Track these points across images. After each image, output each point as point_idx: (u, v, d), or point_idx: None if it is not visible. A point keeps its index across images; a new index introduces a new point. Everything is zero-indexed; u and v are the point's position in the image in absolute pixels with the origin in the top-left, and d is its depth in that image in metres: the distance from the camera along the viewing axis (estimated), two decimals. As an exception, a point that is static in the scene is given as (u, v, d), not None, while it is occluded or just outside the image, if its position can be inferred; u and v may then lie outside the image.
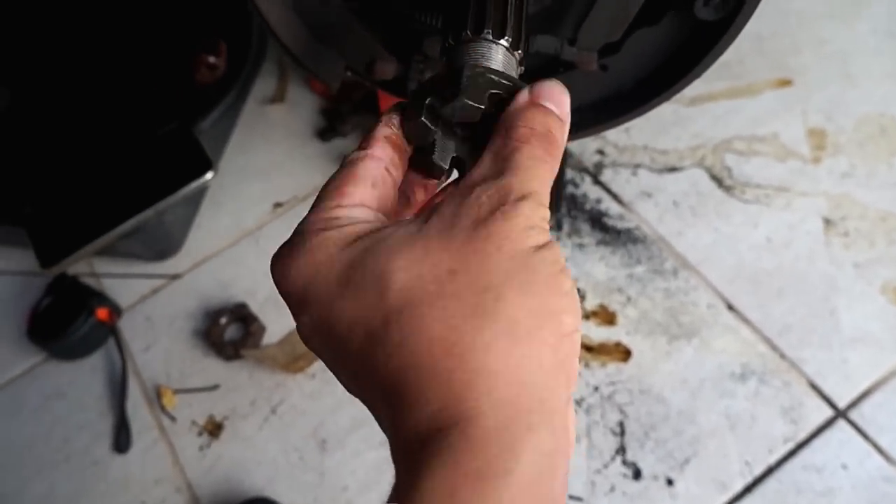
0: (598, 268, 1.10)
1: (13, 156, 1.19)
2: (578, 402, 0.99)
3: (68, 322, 1.07)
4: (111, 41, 1.26)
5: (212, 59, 1.17)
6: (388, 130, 0.35)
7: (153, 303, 1.16)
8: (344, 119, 1.27)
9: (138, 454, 1.04)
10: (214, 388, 1.07)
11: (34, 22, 1.29)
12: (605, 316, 1.05)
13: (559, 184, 1.17)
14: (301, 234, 0.32)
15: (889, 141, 1.16)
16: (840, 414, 0.95)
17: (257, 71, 1.29)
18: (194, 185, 1.04)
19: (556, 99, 0.34)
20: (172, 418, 1.05)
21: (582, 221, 1.14)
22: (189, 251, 1.21)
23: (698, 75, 0.54)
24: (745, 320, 1.02)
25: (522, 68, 0.40)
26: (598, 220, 1.14)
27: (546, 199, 0.31)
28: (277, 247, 0.34)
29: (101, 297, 1.13)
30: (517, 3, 0.40)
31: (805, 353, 0.99)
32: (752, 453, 0.93)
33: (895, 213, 1.09)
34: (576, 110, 0.59)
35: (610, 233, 1.13)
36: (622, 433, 0.97)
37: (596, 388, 1.00)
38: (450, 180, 0.37)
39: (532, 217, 0.29)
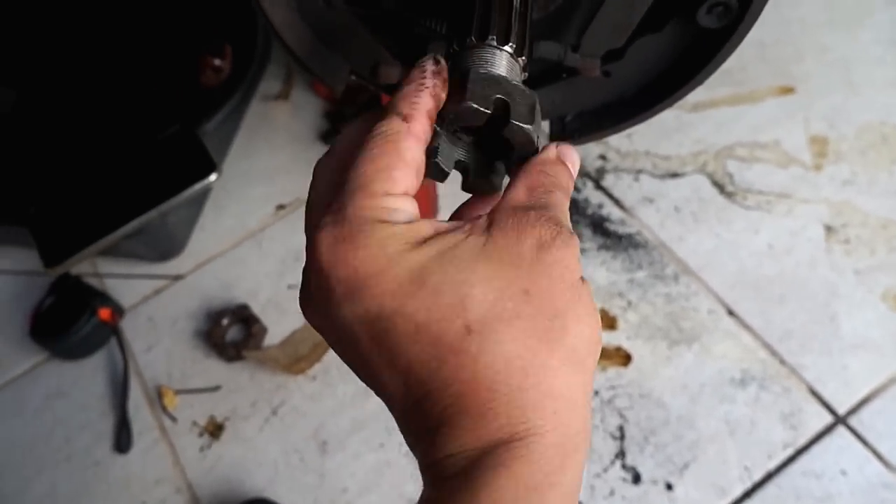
0: (600, 272, 1.10)
1: (18, 156, 1.20)
2: (579, 407, 0.99)
3: (71, 322, 1.08)
4: (116, 43, 1.26)
5: (217, 62, 1.18)
6: (430, 104, 0.35)
7: (155, 303, 1.17)
8: (347, 122, 1.28)
9: (139, 454, 1.04)
10: (216, 388, 1.07)
11: (40, 24, 1.30)
12: (606, 320, 1.05)
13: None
14: (357, 220, 0.31)
15: (890, 149, 1.16)
16: (840, 420, 0.95)
17: (262, 73, 1.29)
18: (198, 186, 1.05)
19: (575, 163, 0.37)
20: (173, 419, 1.05)
21: (583, 226, 1.15)
22: (192, 252, 1.21)
23: (701, 82, 0.54)
24: (746, 326, 1.03)
25: (526, 74, 0.40)
26: (599, 225, 1.14)
27: None
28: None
29: (103, 298, 1.14)
30: (521, 10, 0.40)
31: (805, 360, 0.99)
32: (752, 459, 0.93)
33: (896, 220, 1.09)
34: (578, 116, 0.59)
35: (611, 238, 1.13)
36: (622, 437, 0.97)
37: (596, 393, 1.00)
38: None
39: (577, 253, 0.32)
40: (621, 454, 0.96)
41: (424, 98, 0.35)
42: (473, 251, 0.30)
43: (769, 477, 0.92)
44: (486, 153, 0.38)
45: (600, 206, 1.17)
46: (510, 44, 0.38)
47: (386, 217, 0.31)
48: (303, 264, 0.33)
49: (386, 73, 0.59)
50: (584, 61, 0.53)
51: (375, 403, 1.02)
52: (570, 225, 0.33)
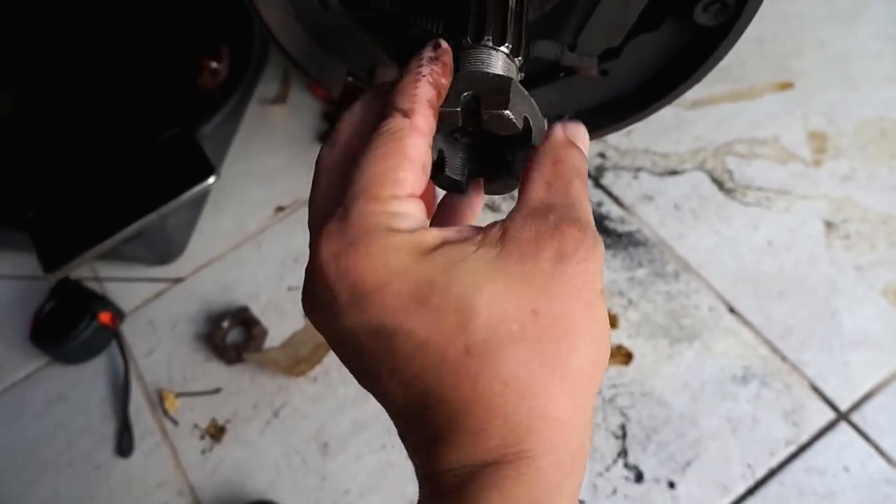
0: (600, 271, 1.10)
1: (17, 160, 1.20)
2: (580, 406, 0.99)
3: (71, 326, 1.08)
4: (114, 46, 1.26)
5: (214, 64, 1.18)
6: (430, 93, 0.34)
7: (155, 307, 1.17)
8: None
9: (141, 458, 1.04)
10: (216, 391, 1.07)
11: (37, 27, 1.30)
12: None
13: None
14: (361, 228, 0.30)
15: (890, 144, 1.16)
16: (842, 416, 0.95)
17: (259, 76, 1.29)
18: (196, 189, 1.05)
19: (584, 140, 0.35)
20: (175, 422, 1.05)
21: (583, 225, 1.14)
22: (191, 255, 1.21)
23: (698, 80, 0.54)
24: (747, 323, 1.03)
25: (522, 74, 0.40)
26: (599, 224, 1.14)
27: None
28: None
29: (103, 302, 1.13)
30: (517, 10, 0.40)
31: (806, 356, 0.99)
32: (754, 456, 0.93)
33: (896, 215, 1.09)
34: (576, 115, 0.59)
35: (611, 236, 1.13)
36: (624, 436, 0.97)
37: (598, 392, 1.00)
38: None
39: (601, 261, 0.31)
40: (623, 453, 0.95)
41: (423, 88, 0.34)
42: (482, 267, 0.29)
43: (772, 474, 0.92)
44: (493, 151, 0.38)
45: (599, 204, 1.16)
46: (506, 44, 0.38)
47: (391, 224, 0.30)
48: (303, 266, 0.32)
49: (383, 74, 0.59)
50: (581, 60, 0.53)
51: (376, 405, 1.01)
52: (592, 222, 0.31)
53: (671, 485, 0.93)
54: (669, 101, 0.55)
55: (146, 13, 1.28)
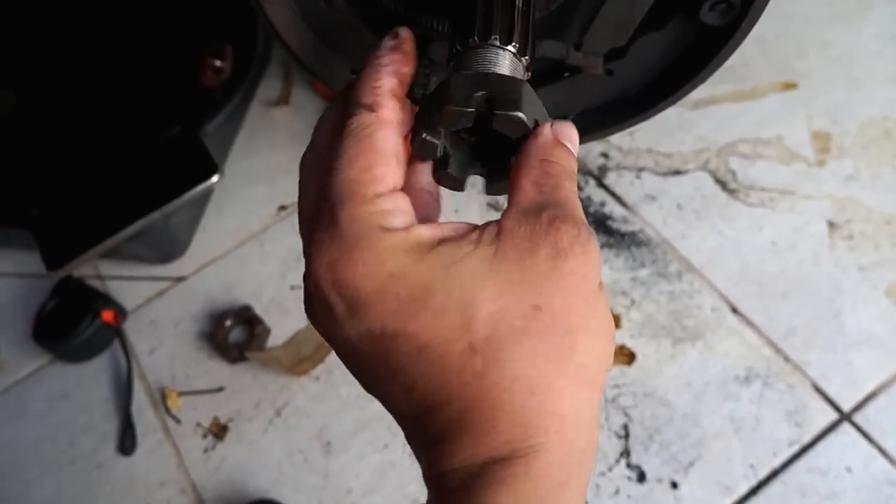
0: (603, 271, 1.09)
1: (20, 159, 1.20)
2: (583, 405, 0.99)
3: (74, 324, 1.08)
4: (117, 45, 1.26)
5: (217, 63, 1.18)
6: (392, 82, 0.34)
7: (158, 305, 1.17)
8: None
9: (143, 456, 1.04)
10: (219, 390, 1.07)
11: (40, 25, 1.30)
12: (610, 319, 1.05)
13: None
14: (351, 233, 0.30)
15: (893, 144, 1.16)
16: (844, 417, 0.94)
17: (262, 74, 1.29)
18: (199, 188, 1.05)
19: (574, 140, 0.35)
20: (177, 420, 1.05)
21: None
22: (194, 254, 1.21)
23: (704, 80, 0.54)
24: (750, 323, 1.02)
25: (529, 74, 0.40)
26: (602, 223, 1.14)
27: None
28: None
29: (106, 300, 1.14)
30: (524, 9, 0.40)
31: (809, 356, 0.99)
32: (757, 456, 0.93)
33: (900, 216, 1.09)
34: (581, 114, 0.59)
35: (614, 236, 1.13)
36: (626, 436, 0.97)
37: (603, 387, 1.00)
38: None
39: (597, 255, 0.31)
40: (626, 453, 0.95)
41: (384, 80, 0.33)
42: (481, 265, 0.29)
43: (774, 474, 0.92)
44: (497, 153, 0.38)
45: (603, 204, 1.16)
46: (513, 43, 0.38)
47: (382, 222, 0.30)
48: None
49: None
50: (586, 60, 0.53)
51: (379, 404, 1.02)
52: (584, 218, 0.31)
53: (674, 485, 0.93)
54: (675, 101, 0.55)
55: (149, 12, 1.28)
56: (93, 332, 1.09)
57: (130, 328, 1.14)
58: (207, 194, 1.21)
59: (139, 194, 1.06)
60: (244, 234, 1.22)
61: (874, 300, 1.02)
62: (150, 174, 1.08)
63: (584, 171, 1.20)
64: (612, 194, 1.17)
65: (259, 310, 1.12)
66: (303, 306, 0.33)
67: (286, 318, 1.12)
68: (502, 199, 1.19)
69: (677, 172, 1.18)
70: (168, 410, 1.06)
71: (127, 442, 1.04)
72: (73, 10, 1.28)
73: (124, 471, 1.03)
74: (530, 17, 0.41)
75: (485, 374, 0.28)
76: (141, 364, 1.11)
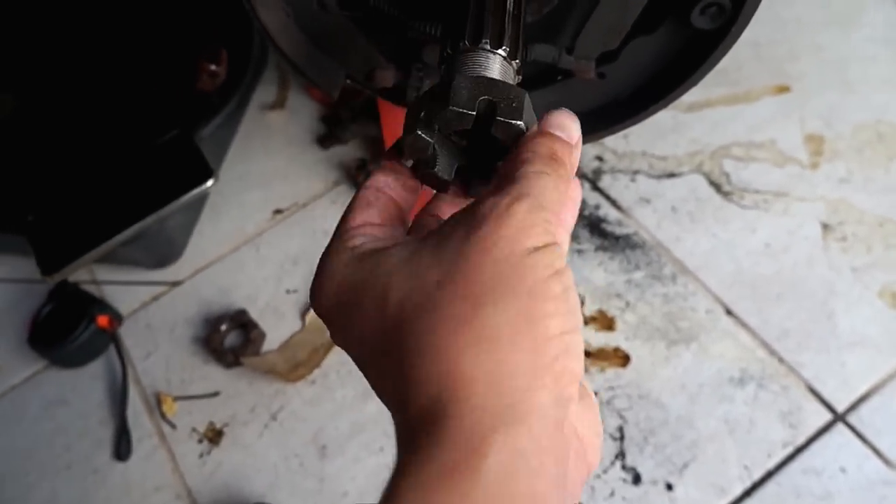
0: (597, 273, 1.10)
1: (16, 163, 1.20)
2: (578, 408, 0.99)
3: (69, 329, 1.08)
4: (113, 49, 1.26)
5: (213, 67, 1.18)
6: (384, 162, 0.38)
7: (154, 310, 1.17)
8: (344, 126, 1.28)
9: (139, 461, 1.04)
10: (214, 395, 1.07)
11: (37, 29, 1.30)
12: (604, 321, 1.05)
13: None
14: (322, 262, 0.34)
15: (886, 147, 1.17)
16: (838, 418, 0.95)
17: (258, 79, 1.29)
18: (195, 192, 1.05)
19: (562, 123, 0.35)
20: (172, 425, 1.05)
21: (581, 227, 1.15)
22: (189, 258, 1.21)
23: (695, 83, 0.54)
24: (744, 325, 1.03)
25: (520, 77, 0.40)
26: (596, 226, 1.15)
27: (551, 203, 0.32)
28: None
29: (101, 305, 1.13)
30: (515, 13, 0.40)
31: (803, 358, 0.99)
32: (751, 458, 0.93)
33: (892, 218, 1.09)
34: (573, 118, 0.60)
35: (609, 238, 1.13)
36: (622, 438, 0.97)
37: (595, 394, 1.00)
38: None
39: (527, 218, 0.30)
40: (621, 455, 0.96)
41: (381, 166, 0.37)
42: (399, 258, 0.32)
43: (769, 475, 0.92)
44: (486, 158, 0.38)
45: (597, 206, 1.17)
46: (504, 47, 0.38)
47: (338, 248, 0.34)
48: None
49: (381, 77, 0.60)
50: (578, 63, 0.53)
51: (374, 407, 1.02)
52: (534, 190, 0.31)
53: (669, 486, 0.93)
54: (667, 104, 0.55)
55: (146, 16, 1.29)
56: (88, 337, 1.09)
57: (126, 333, 1.14)
58: (203, 198, 1.21)
59: (135, 198, 1.06)
60: (240, 238, 1.22)
61: (867, 301, 1.03)
62: (146, 178, 1.08)
63: (578, 174, 1.20)
64: (607, 197, 1.18)
65: (254, 314, 1.12)
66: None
67: (282, 323, 1.12)
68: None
69: (671, 175, 1.19)
70: (163, 415, 1.06)
71: (122, 447, 1.04)
72: (71, 14, 1.28)
73: (120, 476, 1.03)
74: (521, 22, 0.41)
75: (392, 352, 0.30)
76: (136, 369, 1.11)
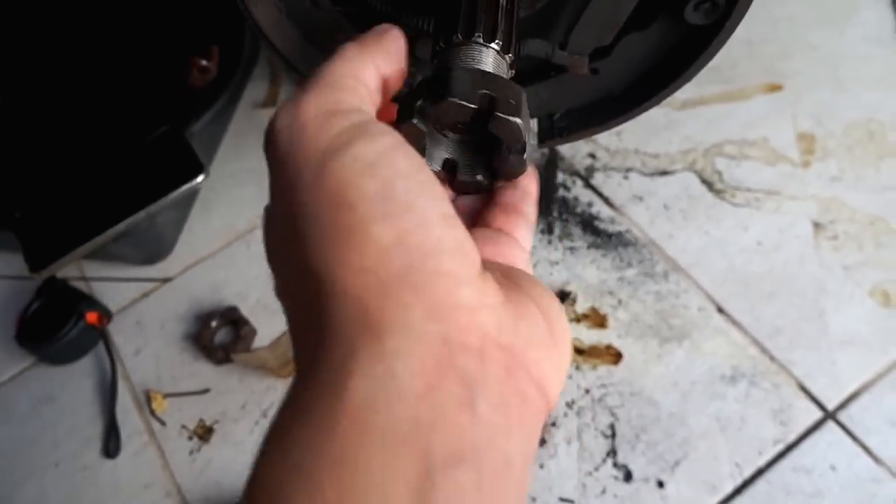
0: (590, 271, 1.10)
1: (3, 159, 1.19)
2: (569, 405, 0.99)
3: (57, 326, 1.07)
4: (102, 44, 1.25)
5: (204, 63, 1.17)
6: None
7: (143, 306, 1.16)
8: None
9: (128, 459, 1.03)
10: (205, 391, 1.06)
11: (25, 25, 1.29)
12: (596, 319, 1.05)
13: (550, 187, 1.18)
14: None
15: (877, 145, 1.17)
16: (829, 415, 0.95)
17: (249, 74, 1.29)
18: (185, 188, 1.04)
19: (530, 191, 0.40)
20: (162, 422, 1.05)
21: (573, 225, 1.15)
22: (179, 254, 1.20)
23: (689, 79, 0.54)
24: (736, 323, 1.03)
25: (513, 72, 0.40)
26: (589, 224, 1.15)
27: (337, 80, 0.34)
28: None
29: (90, 301, 1.13)
30: (508, 7, 0.40)
31: (794, 356, 0.99)
32: (742, 455, 0.93)
33: (883, 216, 1.10)
34: (566, 113, 0.59)
35: (601, 236, 1.13)
36: (613, 435, 0.97)
37: (587, 391, 1.00)
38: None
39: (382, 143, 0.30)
40: (613, 452, 0.96)
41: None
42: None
43: (759, 473, 0.92)
44: (474, 151, 0.38)
45: (590, 204, 1.17)
46: (496, 41, 0.38)
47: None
48: None
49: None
50: (571, 59, 0.53)
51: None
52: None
53: (660, 484, 0.93)
54: (660, 100, 0.55)
55: (136, 12, 1.28)
56: (77, 333, 1.08)
57: (115, 329, 1.14)
58: (193, 194, 1.20)
59: (124, 194, 1.05)
60: (231, 234, 1.22)
61: (858, 300, 1.03)
62: (136, 174, 1.07)
63: (571, 171, 1.20)
64: (600, 195, 1.18)
65: (245, 311, 1.12)
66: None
67: (273, 319, 1.11)
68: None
69: (664, 173, 1.19)
70: (153, 412, 1.05)
71: (111, 444, 1.03)
72: (60, 9, 1.27)
73: (109, 473, 1.03)
74: (514, 15, 0.41)
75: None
76: (125, 366, 1.10)
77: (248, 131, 1.33)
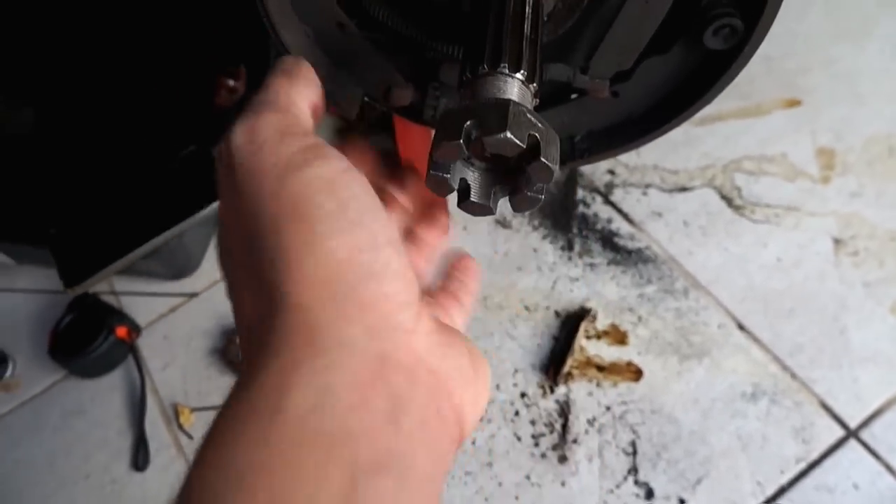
0: (610, 287, 1.11)
1: (38, 177, 1.22)
2: (591, 422, 0.99)
3: (88, 340, 1.09)
4: (134, 64, 1.28)
5: (231, 83, 1.20)
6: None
7: (171, 321, 1.18)
8: (358, 137, 1.29)
9: (156, 472, 1.05)
10: (231, 405, 1.08)
11: (58, 43, 1.32)
12: (617, 335, 1.05)
13: (570, 204, 1.19)
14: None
15: (898, 161, 1.17)
16: (851, 434, 0.95)
17: (274, 94, 1.31)
18: (213, 206, 1.06)
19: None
20: (190, 436, 1.06)
21: (593, 241, 1.15)
22: (206, 270, 1.23)
23: (708, 102, 0.55)
24: (756, 340, 1.03)
25: (537, 100, 0.41)
26: (609, 240, 1.15)
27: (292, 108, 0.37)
28: None
29: (120, 316, 1.15)
30: (532, 36, 0.42)
31: (816, 373, 0.99)
32: (764, 473, 0.93)
33: (905, 232, 1.10)
34: (587, 135, 0.61)
35: (621, 252, 1.14)
36: (634, 453, 0.97)
37: (608, 408, 1.00)
38: None
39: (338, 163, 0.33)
40: (634, 470, 0.96)
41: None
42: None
43: (782, 491, 0.92)
44: (490, 178, 0.39)
45: (609, 220, 1.17)
46: (521, 71, 0.39)
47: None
48: None
49: (398, 96, 0.61)
50: (592, 83, 0.54)
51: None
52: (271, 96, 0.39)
53: (682, 502, 0.93)
54: (679, 123, 0.56)
55: (165, 32, 1.31)
56: (107, 347, 1.10)
57: (144, 344, 1.16)
58: (220, 212, 1.22)
59: (154, 212, 1.07)
60: (255, 250, 1.24)
61: (879, 317, 1.03)
62: (166, 192, 1.10)
63: (591, 187, 1.21)
64: (619, 211, 1.18)
65: (270, 326, 1.13)
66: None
67: (297, 334, 1.13)
68: (508, 216, 1.20)
69: (683, 189, 1.19)
70: (181, 426, 1.07)
71: (140, 458, 1.05)
72: (91, 29, 1.31)
73: (137, 486, 1.04)
74: (538, 45, 0.42)
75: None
76: (154, 380, 1.13)
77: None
